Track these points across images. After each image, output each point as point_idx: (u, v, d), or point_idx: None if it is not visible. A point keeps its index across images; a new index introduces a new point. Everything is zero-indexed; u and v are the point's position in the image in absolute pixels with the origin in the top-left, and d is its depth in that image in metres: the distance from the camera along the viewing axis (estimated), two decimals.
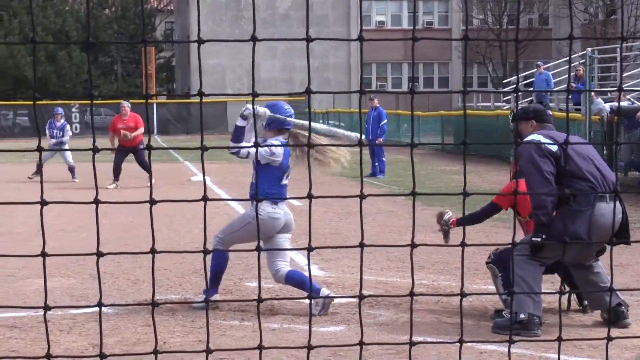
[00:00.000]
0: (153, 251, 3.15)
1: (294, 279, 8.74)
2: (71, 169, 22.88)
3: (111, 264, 10.77)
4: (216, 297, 9.02)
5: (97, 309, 8.25)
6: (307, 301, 9.18)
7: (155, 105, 54.34)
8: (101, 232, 9.98)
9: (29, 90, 59.18)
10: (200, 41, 3.07)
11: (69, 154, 22.72)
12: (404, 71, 64.07)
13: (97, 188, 3.40)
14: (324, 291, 8.68)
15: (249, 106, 8.57)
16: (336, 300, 9.15)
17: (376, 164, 23.95)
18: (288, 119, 8.76)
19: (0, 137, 51.91)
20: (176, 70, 70.94)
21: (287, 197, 8.54)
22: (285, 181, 8.79)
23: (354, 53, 61.34)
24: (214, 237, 8.90)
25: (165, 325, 8.18)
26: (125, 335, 7.79)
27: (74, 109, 54.53)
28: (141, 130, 21.42)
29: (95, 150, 3.12)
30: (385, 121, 24.30)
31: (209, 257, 8.85)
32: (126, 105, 21.58)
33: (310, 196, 3.14)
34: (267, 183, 8.61)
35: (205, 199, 3.18)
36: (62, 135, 23.30)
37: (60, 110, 24.12)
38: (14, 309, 8.47)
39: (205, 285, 9.40)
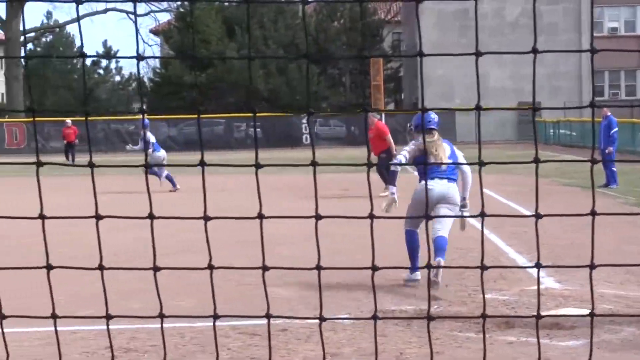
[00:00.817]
0: (429, 266, 3.10)
1: (436, 244, 10.23)
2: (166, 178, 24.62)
3: (342, 274, 10.74)
4: (417, 275, 10.62)
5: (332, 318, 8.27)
6: (544, 313, 8.95)
7: (382, 115, 54.70)
8: (331, 242, 10.05)
9: (262, 102, 60.72)
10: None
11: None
12: (637, 78, 62.16)
13: (371, 201, 3.37)
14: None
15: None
16: (574, 314, 8.90)
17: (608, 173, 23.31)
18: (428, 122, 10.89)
19: (232, 148, 53.43)
20: (404, 80, 71.20)
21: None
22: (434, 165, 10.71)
23: (586, 61, 59.96)
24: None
25: (400, 336, 8.16)
26: (362, 345, 7.79)
27: (304, 120, 55.64)
28: (387, 139, 21.79)
29: (315, 164, 3.09)
30: (615, 130, 23.61)
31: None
32: (372, 115, 22.37)
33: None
34: (420, 171, 10.76)
35: (483, 214, 3.10)
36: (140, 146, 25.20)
37: (145, 121, 25.68)
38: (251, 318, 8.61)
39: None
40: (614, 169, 23.12)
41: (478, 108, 3.07)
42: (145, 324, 8.43)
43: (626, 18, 61.71)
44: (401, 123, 55.59)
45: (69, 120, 44.47)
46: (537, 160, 2.93)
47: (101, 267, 3.09)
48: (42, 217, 3.13)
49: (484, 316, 3.20)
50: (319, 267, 3.03)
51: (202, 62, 62.38)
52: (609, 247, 12.94)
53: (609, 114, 23.86)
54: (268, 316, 3.13)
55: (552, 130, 54.49)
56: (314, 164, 2.92)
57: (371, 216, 3.01)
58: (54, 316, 3.18)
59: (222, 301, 9.15)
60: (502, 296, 9.83)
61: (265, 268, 3.08)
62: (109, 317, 3.16)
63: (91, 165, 3.05)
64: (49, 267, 3.16)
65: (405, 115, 57.36)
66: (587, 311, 8.84)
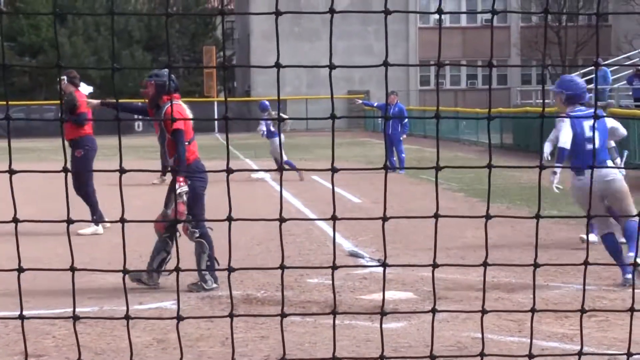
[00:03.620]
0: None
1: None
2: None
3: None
4: None
5: (160, 304, 8.37)
6: (368, 297, 9.23)
7: (215, 103, 54.64)
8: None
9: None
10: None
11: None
12: (462, 69, 63.75)
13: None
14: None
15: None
16: (396, 297, 9.22)
17: (394, 158, 24.86)
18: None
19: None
20: (236, 69, 71.19)
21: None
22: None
23: (413, 50, 61.22)
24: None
25: (227, 321, 8.27)
26: (188, 331, 7.85)
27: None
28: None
29: None
30: (406, 120, 24.81)
31: None
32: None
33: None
34: None
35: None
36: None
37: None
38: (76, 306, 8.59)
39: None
40: (404, 155, 25.13)
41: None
42: None
43: (451, 9, 63.17)
44: (234, 110, 55.64)
45: None
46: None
47: None
48: None
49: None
50: (124, 270, 3.14)
51: (32, 47, 61.00)
52: (431, 231, 13.30)
53: (398, 101, 26.39)
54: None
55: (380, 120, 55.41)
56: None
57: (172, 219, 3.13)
58: None
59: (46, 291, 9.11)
60: (327, 280, 10.03)
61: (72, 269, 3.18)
62: None
63: None
64: None
65: (238, 103, 57.60)
66: (409, 294, 9.15)
